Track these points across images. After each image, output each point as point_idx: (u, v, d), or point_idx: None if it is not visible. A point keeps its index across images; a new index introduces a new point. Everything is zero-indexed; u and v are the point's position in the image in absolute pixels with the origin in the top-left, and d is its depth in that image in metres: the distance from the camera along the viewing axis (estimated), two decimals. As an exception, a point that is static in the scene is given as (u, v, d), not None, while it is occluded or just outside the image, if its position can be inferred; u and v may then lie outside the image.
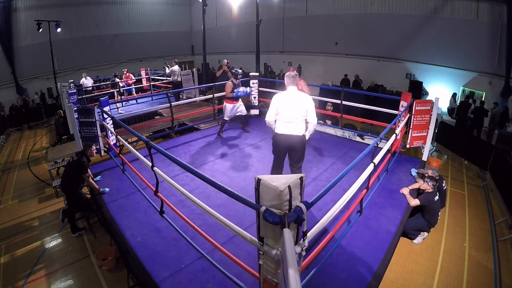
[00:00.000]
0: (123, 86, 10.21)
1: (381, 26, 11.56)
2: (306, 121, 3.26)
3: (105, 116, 4.77)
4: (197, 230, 2.68)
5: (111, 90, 10.46)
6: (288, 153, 3.40)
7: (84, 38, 15.37)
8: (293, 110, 3.15)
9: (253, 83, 6.72)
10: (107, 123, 4.88)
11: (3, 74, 12.98)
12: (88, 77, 10.37)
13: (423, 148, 4.87)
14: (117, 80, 10.07)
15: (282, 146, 3.31)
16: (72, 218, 4.49)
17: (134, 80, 10.70)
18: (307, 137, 3.34)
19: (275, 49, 15.58)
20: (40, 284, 3.73)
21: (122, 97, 9.93)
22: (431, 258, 3.95)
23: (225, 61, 7.73)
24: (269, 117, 3.29)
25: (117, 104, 9.21)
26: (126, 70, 10.83)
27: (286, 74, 3.28)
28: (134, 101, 10.10)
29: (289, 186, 1.52)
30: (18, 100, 12.87)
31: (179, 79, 9.45)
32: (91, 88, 10.53)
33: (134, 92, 10.89)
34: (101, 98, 5.33)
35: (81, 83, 10.13)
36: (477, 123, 8.40)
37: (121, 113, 8.18)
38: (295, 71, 3.36)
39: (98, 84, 12.06)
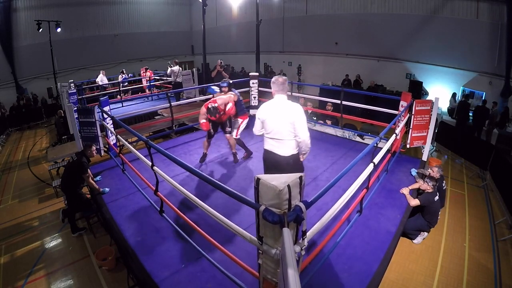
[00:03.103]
0: (149, 83, 11.08)
1: (381, 26, 11.56)
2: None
3: (105, 116, 4.77)
4: (197, 229, 2.68)
5: (135, 86, 11.30)
6: (270, 172, 2.90)
7: (84, 38, 15.37)
8: (277, 125, 2.67)
9: (253, 83, 6.73)
10: (107, 123, 4.88)
11: (3, 74, 12.98)
12: (105, 75, 11.18)
13: (423, 148, 4.87)
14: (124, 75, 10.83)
15: (270, 164, 2.89)
16: (72, 218, 4.50)
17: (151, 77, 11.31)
18: (301, 158, 2.86)
19: (275, 49, 15.58)
20: (40, 284, 3.73)
21: (123, 96, 10.04)
22: (431, 258, 3.94)
23: (219, 61, 7.77)
24: (255, 130, 2.94)
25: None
26: (146, 67, 11.64)
27: (272, 80, 2.74)
28: (135, 101, 10.24)
29: (288, 186, 1.52)
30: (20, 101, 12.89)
31: (178, 79, 9.45)
32: (107, 85, 11.23)
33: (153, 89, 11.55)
34: (101, 98, 5.33)
35: (98, 80, 10.97)
36: (478, 124, 8.39)
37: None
38: (285, 77, 2.89)
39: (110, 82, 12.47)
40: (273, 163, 2.83)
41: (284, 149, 2.72)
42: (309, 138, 2.71)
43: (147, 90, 11.12)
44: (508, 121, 8.42)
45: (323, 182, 4.02)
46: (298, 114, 2.63)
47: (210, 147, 5.41)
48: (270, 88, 2.82)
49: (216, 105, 4.11)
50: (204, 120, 4.22)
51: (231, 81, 4.42)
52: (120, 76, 11.41)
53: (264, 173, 2.94)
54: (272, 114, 2.70)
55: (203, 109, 4.20)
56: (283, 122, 2.65)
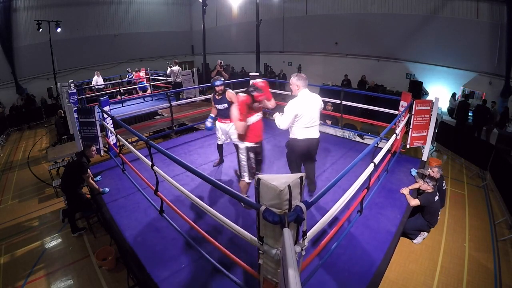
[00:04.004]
0: (141, 83, 10.90)
1: (381, 26, 11.56)
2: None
3: (105, 116, 4.76)
4: (197, 229, 2.68)
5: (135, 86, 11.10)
6: (303, 156, 3.40)
7: (84, 38, 15.36)
8: (313, 115, 3.17)
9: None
10: (107, 123, 4.88)
11: (3, 74, 12.98)
12: (100, 76, 10.97)
13: (423, 148, 4.86)
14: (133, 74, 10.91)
15: (304, 150, 3.31)
16: (72, 218, 4.50)
17: (145, 77, 11.13)
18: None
19: (275, 49, 15.58)
20: (40, 284, 3.73)
21: (123, 97, 10.03)
22: (431, 258, 3.95)
23: (219, 61, 7.77)
24: (285, 125, 3.15)
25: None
26: (137, 69, 11.51)
27: (296, 78, 3.15)
28: (135, 101, 10.19)
29: (289, 186, 1.52)
30: (18, 100, 12.88)
31: (178, 79, 9.44)
32: (103, 86, 11.06)
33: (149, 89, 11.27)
34: (101, 98, 5.33)
35: (93, 81, 10.76)
36: (478, 124, 8.39)
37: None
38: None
39: (108, 82, 12.40)
40: (308, 147, 3.30)
41: (317, 131, 3.33)
42: None
43: (139, 92, 10.89)
44: (508, 121, 8.43)
45: (323, 182, 4.02)
46: (320, 100, 3.30)
47: (210, 146, 5.33)
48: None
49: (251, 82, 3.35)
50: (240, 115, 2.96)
51: (223, 79, 4.04)
52: (130, 75, 11.45)
53: (291, 162, 3.46)
54: (309, 107, 3.12)
55: (235, 111, 3.02)
56: (317, 111, 3.21)
